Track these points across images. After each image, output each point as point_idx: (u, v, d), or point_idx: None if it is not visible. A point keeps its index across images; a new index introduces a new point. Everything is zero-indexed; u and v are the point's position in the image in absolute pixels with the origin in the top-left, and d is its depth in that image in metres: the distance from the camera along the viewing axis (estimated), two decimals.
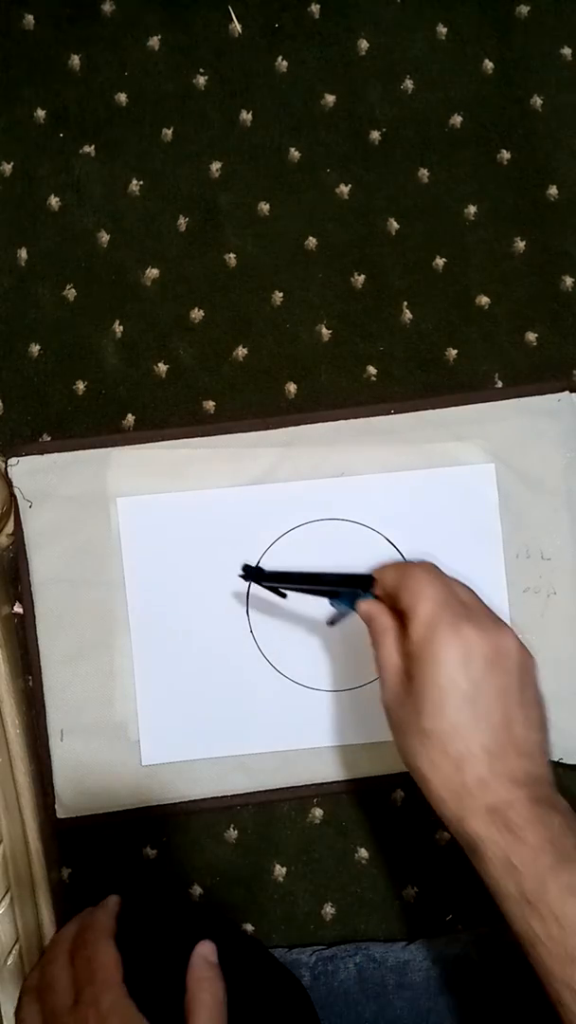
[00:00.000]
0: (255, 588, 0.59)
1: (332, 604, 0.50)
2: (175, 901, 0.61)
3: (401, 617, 0.45)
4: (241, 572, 0.53)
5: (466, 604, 0.45)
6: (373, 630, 0.47)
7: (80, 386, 0.63)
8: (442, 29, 0.66)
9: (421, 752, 0.42)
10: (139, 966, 0.44)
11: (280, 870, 0.61)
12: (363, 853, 0.62)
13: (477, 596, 0.47)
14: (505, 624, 0.45)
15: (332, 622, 0.55)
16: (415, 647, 0.43)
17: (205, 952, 0.46)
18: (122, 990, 0.42)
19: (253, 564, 0.60)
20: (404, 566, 0.46)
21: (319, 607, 0.60)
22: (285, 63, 0.66)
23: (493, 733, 0.42)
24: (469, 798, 0.41)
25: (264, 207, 0.65)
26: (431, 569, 0.46)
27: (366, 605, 0.48)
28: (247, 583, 0.57)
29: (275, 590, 0.55)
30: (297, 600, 0.60)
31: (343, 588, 0.50)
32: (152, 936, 0.50)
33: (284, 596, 0.56)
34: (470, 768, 0.41)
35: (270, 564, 0.60)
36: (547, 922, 0.38)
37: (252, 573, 0.53)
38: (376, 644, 0.46)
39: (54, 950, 0.45)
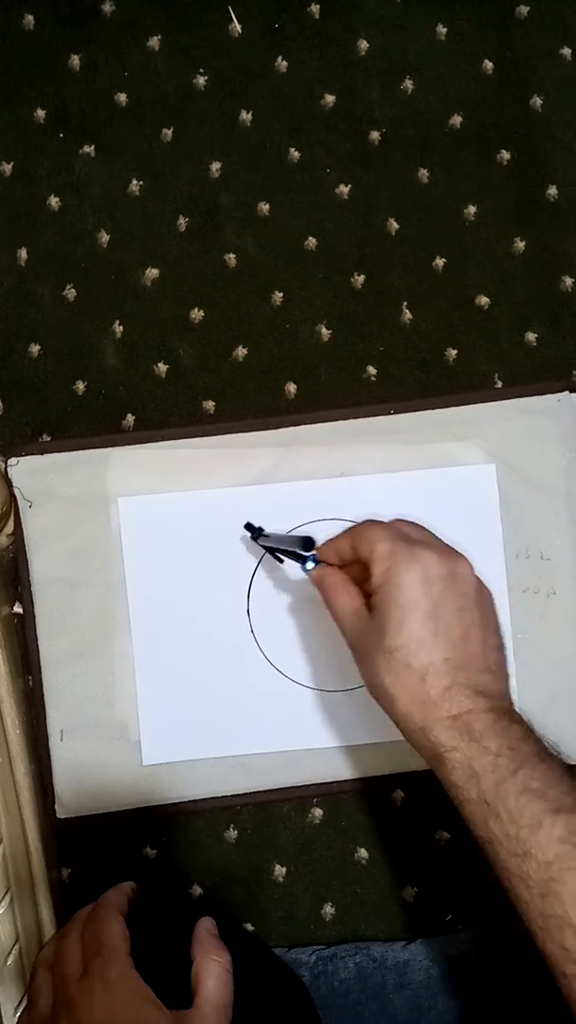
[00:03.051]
0: (259, 576, 0.60)
1: (303, 570, 0.53)
2: (176, 899, 0.61)
3: (358, 576, 0.48)
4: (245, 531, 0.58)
5: (420, 538, 0.48)
6: (326, 587, 0.49)
7: (80, 386, 0.63)
8: (442, 29, 0.66)
9: (386, 669, 0.44)
10: (145, 954, 0.45)
11: (280, 870, 0.61)
12: (363, 853, 0.62)
13: (430, 532, 0.50)
14: (460, 553, 0.47)
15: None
16: (377, 580, 0.46)
17: (208, 925, 0.48)
18: (128, 962, 0.43)
19: (253, 565, 0.60)
20: (351, 528, 0.49)
21: (320, 604, 0.60)
22: (285, 63, 0.66)
23: (453, 647, 0.44)
24: (433, 708, 0.43)
25: (264, 207, 0.65)
26: (378, 520, 0.49)
27: (317, 570, 0.51)
28: (249, 577, 0.60)
29: (272, 552, 0.58)
30: (298, 599, 0.60)
31: (297, 548, 0.53)
32: (156, 927, 0.50)
33: (281, 561, 0.58)
34: (434, 679, 0.43)
35: (270, 566, 0.60)
36: (503, 821, 0.40)
37: (254, 531, 0.57)
38: (331, 598, 0.49)
39: (68, 926, 0.48)
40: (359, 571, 0.49)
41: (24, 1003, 0.52)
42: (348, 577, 0.49)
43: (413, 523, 0.50)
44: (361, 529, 0.48)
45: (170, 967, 0.46)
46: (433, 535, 0.49)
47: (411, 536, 0.47)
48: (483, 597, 0.47)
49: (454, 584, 0.45)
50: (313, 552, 0.52)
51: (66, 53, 0.65)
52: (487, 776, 0.41)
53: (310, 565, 0.52)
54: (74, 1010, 0.42)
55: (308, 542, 0.53)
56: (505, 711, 0.43)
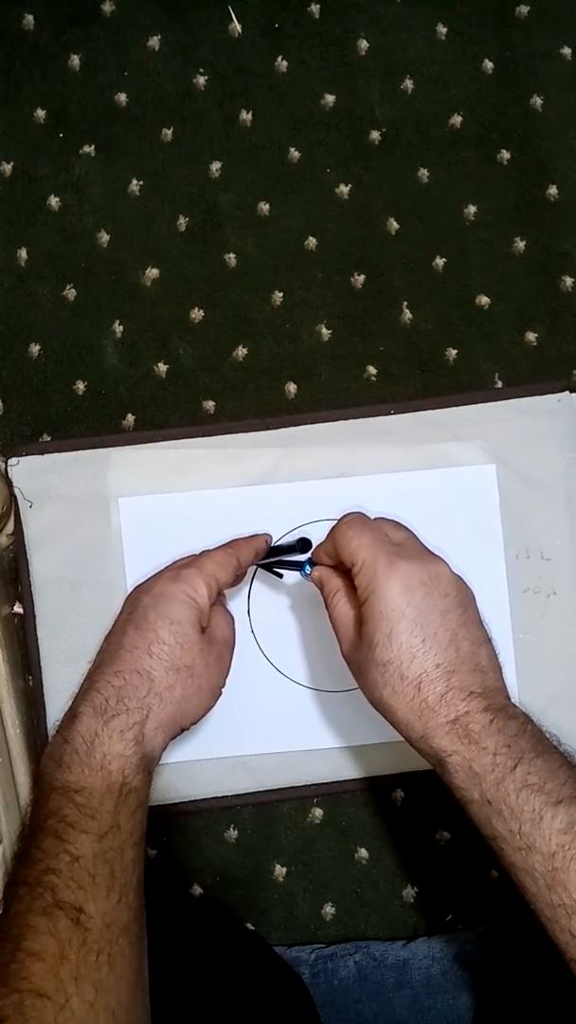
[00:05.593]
0: (259, 577, 0.60)
1: (302, 576, 0.53)
2: (177, 897, 0.61)
3: (348, 575, 0.48)
4: None
5: (398, 543, 0.48)
6: (325, 592, 0.50)
7: (80, 386, 0.63)
8: (442, 29, 0.66)
9: (382, 682, 0.45)
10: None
11: (280, 870, 0.61)
12: (363, 853, 0.62)
13: (408, 530, 0.50)
14: (437, 555, 0.48)
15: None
16: (362, 593, 0.46)
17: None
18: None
19: (254, 566, 0.60)
20: (333, 529, 0.49)
21: (319, 605, 0.60)
22: (285, 63, 0.66)
23: (444, 652, 0.44)
24: (432, 715, 0.44)
25: (264, 207, 0.65)
26: (356, 521, 0.49)
27: (317, 571, 0.51)
28: (250, 578, 0.60)
29: (270, 569, 0.57)
30: (298, 600, 0.60)
31: (295, 555, 0.54)
32: (155, 931, 0.50)
33: (280, 576, 0.58)
34: (429, 686, 0.44)
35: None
36: (506, 818, 0.41)
37: None
38: (329, 605, 0.50)
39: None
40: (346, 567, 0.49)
41: None
42: (345, 582, 0.49)
43: (394, 521, 0.50)
44: (341, 535, 0.48)
45: (168, 982, 0.46)
46: (412, 535, 0.50)
47: (390, 541, 0.48)
48: (463, 594, 0.47)
49: (435, 588, 0.46)
50: (308, 555, 0.52)
51: (66, 53, 0.65)
52: (487, 776, 0.42)
53: (308, 569, 0.52)
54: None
55: (305, 543, 0.53)
56: (501, 707, 0.44)
